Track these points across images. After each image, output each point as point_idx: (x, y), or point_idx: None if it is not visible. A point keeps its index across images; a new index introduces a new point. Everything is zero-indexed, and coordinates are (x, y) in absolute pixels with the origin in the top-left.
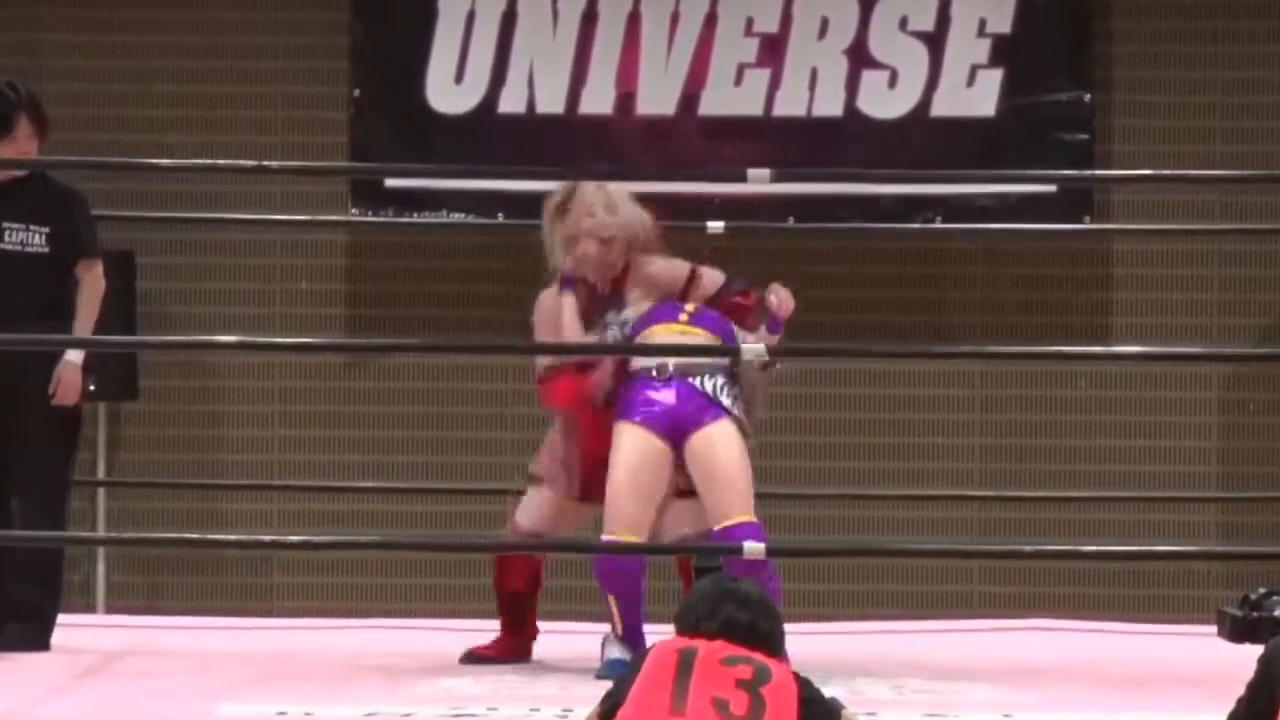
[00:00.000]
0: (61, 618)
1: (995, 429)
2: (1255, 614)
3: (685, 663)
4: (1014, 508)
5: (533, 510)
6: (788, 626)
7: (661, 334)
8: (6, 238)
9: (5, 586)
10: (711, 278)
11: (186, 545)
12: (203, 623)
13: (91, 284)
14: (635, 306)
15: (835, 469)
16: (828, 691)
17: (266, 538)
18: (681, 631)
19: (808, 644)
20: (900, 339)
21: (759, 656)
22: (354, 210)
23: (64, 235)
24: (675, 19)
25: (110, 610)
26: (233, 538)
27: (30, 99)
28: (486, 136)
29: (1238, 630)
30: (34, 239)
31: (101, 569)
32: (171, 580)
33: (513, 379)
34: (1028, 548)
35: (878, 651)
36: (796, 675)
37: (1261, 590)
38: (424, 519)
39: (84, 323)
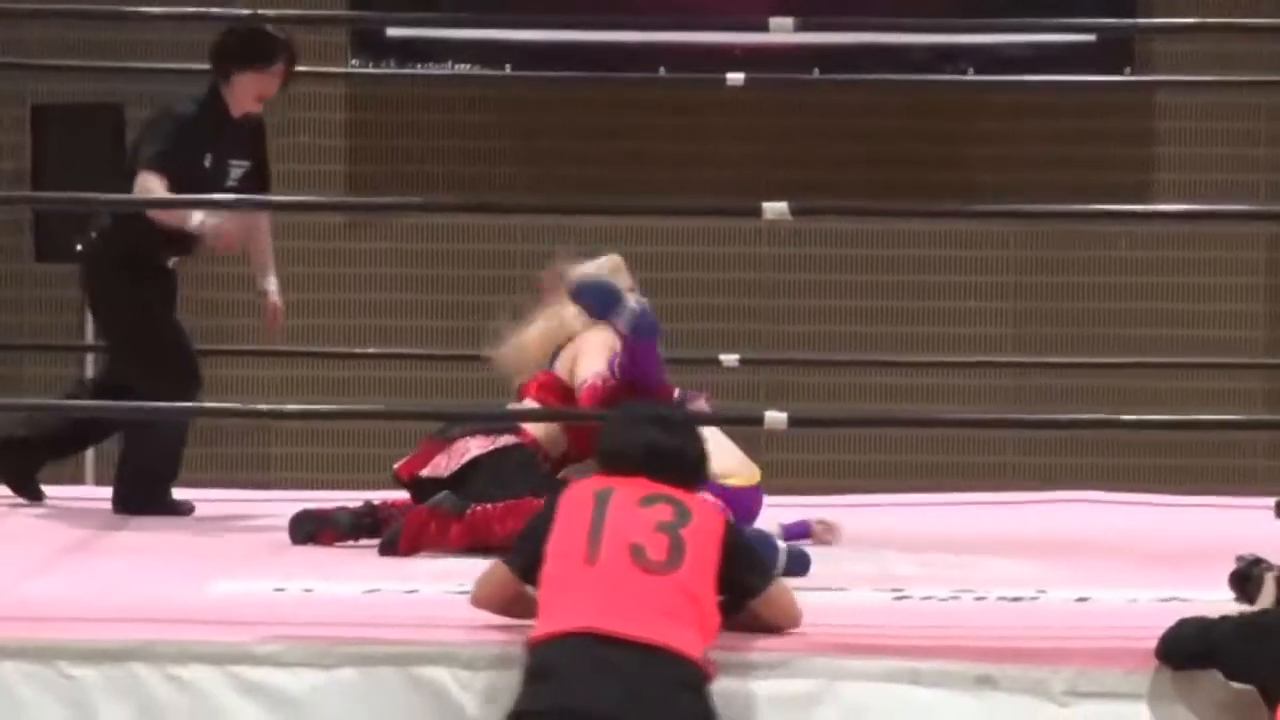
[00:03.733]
0: (49, 490)
1: (1029, 292)
2: None
3: (601, 506)
4: (1049, 375)
5: None
6: (811, 499)
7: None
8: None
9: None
10: None
11: (179, 414)
12: (196, 495)
13: None
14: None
15: (859, 335)
16: (855, 566)
17: (264, 406)
18: (602, 468)
19: (833, 517)
20: (929, 198)
21: (681, 494)
22: (354, 61)
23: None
24: None
25: (99, 482)
26: (228, 406)
27: (290, 44)
28: None
29: None
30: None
31: None
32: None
33: (521, 239)
34: (1064, 417)
35: (904, 526)
36: (727, 520)
37: None
38: (429, 386)
39: None
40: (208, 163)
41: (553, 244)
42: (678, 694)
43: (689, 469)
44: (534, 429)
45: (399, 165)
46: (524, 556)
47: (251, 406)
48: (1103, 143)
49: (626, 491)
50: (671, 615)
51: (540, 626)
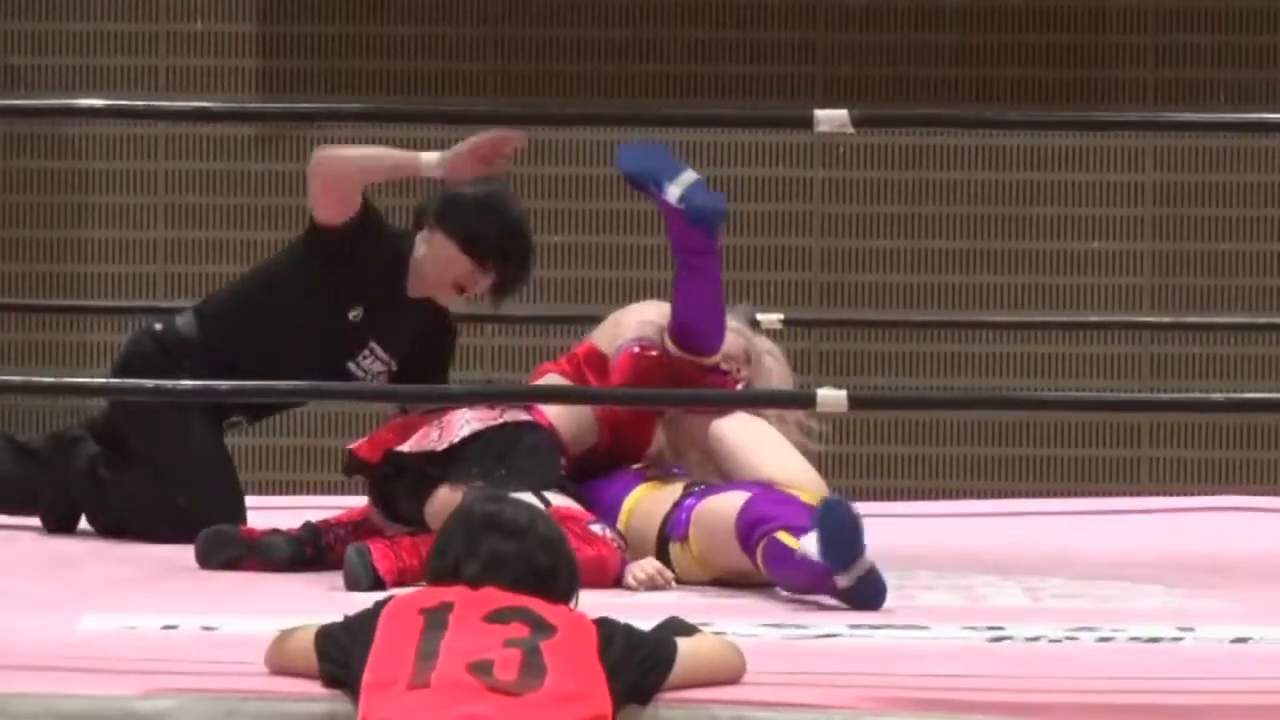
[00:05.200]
0: None
1: (1173, 228)
2: None
3: (435, 622)
4: (1199, 339)
5: None
6: (878, 505)
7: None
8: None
9: None
10: None
11: (40, 392)
12: None
13: None
14: None
15: (939, 286)
16: (937, 596)
17: (149, 383)
18: (435, 580)
19: (906, 530)
20: (1038, 100)
21: (539, 606)
22: None
23: None
24: None
25: None
26: (103, 382)
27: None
28: None
29: None
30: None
31: None
32: None
33: None
34: (1218, 396)
35: (1006, 541)
36: (600, 627)
37: None
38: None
39: None
40: (353, 315)
41: (539, 165)
42: None
43: (541, 580)
44: (552, 413)
45: (327, 60)
46: (335, 667)
47: (136, 382)
48: (1266, 28)
49: (469, 603)
50: None
51: None
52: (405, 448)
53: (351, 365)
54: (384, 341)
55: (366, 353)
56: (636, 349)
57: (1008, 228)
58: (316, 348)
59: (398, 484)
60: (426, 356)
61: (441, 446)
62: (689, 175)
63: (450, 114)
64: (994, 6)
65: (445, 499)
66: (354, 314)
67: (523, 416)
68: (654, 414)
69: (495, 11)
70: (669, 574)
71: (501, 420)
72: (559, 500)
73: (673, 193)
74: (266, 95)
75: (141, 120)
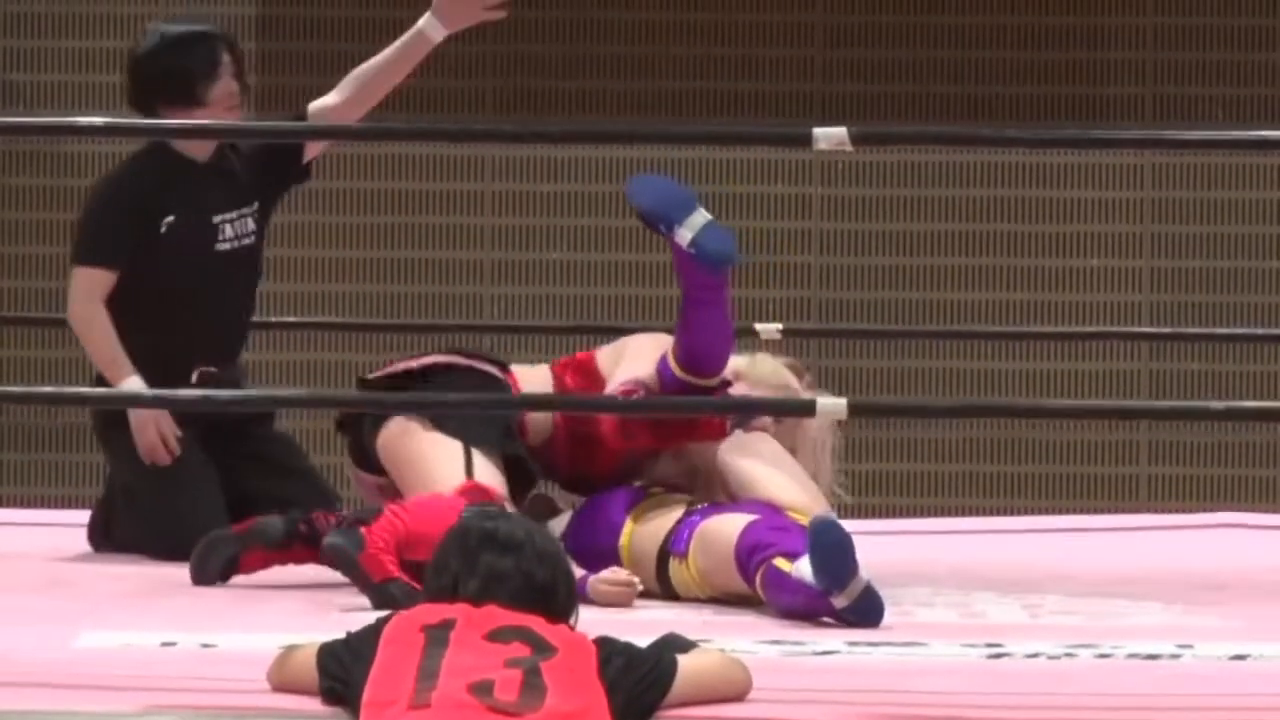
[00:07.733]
0: None
1: (1172, 245)
2: None
3: (436, 640)
4: (1197, 354)
5: None
6: (876, 522)
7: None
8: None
9: None
10: None
11: (35, 402)
12: (60, 517)
13: None
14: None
15: (945, 302)
16: (935, 613)
17: (148, 392)
18: (435, 598)
19: (904, 546)
20: (1037, 117)
21: (539, 625)
22: None
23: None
24: None
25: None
26: (100, 391)
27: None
28: None
29: None
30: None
31: None
32: (16, 458)
33: (496, 176)
34: (1217, 405)
35: (1005, 558)
36: (600, 646)
37: None
38: (369, 369)
39: None
40: (165, 226)
41: (537, 182)
42: None
43: (540, 595)
44: (522, 385)
45: (326, 77)
46: (335, 683)
47: (134, 392)
48: (1270, 44)
49: (471, 621)
50: None
51: None
52: (371, 375)
53: (224, 245)
54: (222, 206)
55: (225, 229)
56: (626, 388)
57: (1006, 244)
58: (192, 264)
59: (362, 425)
60: (275, 179)
61: (400, 369)
62: (700, 217)
63: (449, 132)
64: (993, 24)
65: (396, 427)
66: (165, 223)
67: (494, 371)
68: (612, 438)
69: (493, 29)
70: (636, 580)
71: (469, 364)
72: (484, 475)
73: (684, 235)
74: (264, 113)
75: (144, 136)
